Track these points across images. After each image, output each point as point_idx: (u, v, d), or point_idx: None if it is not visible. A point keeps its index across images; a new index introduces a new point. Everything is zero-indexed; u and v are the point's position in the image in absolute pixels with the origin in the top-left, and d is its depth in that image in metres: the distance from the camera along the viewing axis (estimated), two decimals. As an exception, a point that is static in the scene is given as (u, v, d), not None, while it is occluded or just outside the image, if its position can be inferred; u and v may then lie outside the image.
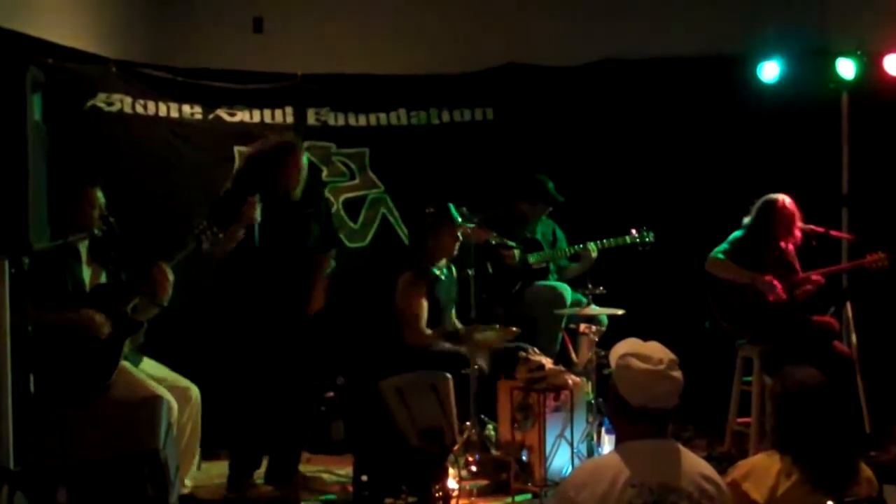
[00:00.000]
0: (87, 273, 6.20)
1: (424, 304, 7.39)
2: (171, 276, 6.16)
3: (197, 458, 6.46)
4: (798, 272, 7.33)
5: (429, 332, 7.35)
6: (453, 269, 7.63)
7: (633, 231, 8.16)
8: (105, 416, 5.41)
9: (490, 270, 8.00)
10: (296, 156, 6.91)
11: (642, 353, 3.68)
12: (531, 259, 8.14)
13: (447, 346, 7.23)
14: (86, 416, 5.38)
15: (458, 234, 7.41)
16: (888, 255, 7.27)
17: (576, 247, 8.19)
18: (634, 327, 4.41)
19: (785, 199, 7.29)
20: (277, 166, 6.83)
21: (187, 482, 6.35)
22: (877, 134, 8.57)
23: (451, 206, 7.37)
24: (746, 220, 7.38)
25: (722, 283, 7.25)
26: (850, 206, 8.71)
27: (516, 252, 8.01)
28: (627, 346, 3.77)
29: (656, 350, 3.72)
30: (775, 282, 7.15)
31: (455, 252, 7.50)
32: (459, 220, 7.33)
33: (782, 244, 7.35)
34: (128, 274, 6.31)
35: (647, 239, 8.11)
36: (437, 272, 7.52)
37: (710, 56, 8.79)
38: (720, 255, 7.27)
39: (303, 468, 7.21)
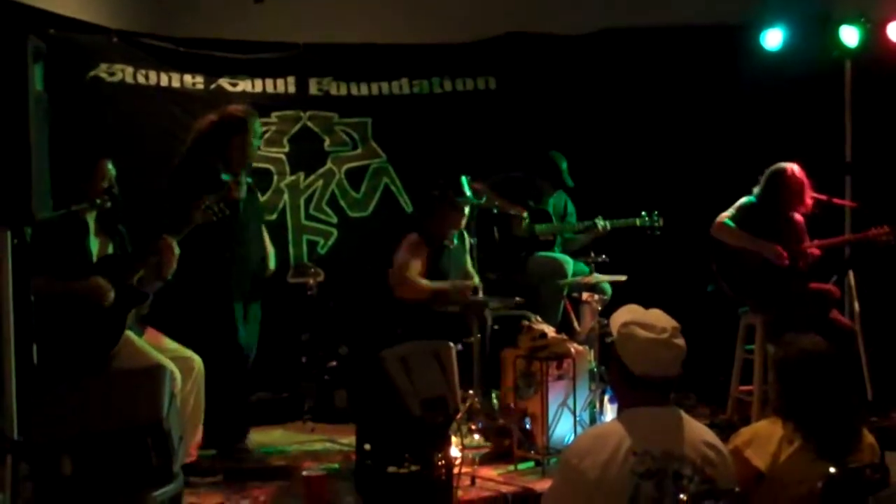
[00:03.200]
0: (94, 244, 6.22)
1: (418, 263, 7.42)
2: (176, 251, 6.20)
3: (201, 428, 6.48)
4: (805, 241, 7.32)
5: (424, 282, 7.37)
6: (465, 235, 7.62)
7: (644, 214, 8.10)
8: (108, 387, 5.40)
9: (497, 237, 7.99)
10: (245, 134, 6.96)
11: (645, 321, 3.68)
12: (538, 229, 8.14)
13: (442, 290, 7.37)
14: (89, 387, 5.38)
15: (465, 209, 7.42)
16: (892, 230, 7.26)
17: (585, 223, 8.17)
18: (637, 296, 4.40)
19: (794, 167, 7.25)
20: (229, 135, 6.92)
21: (193, 451, 6.39)
22: (880, 101, 8.57)
23: (464, 181, 7.38)
24: (756, 188, 7.35)
25: (727, 248, 7.24)
26: (853, 174, 8.70)
27: (525, 220, 8.02)
28: (629, 313, 3.76)
29: (659, 318, 3.72)
30: (782, 250, 7.14)
31: (462, 226, 7.51)
32: (469, 194, 7.34)
33: (792, 214, 7.32)
34: (133, 246, 6.33)
35: (656, 223, 8.06)
36: (446, 241, 7.52)
37: (713, 24, 8.75)
38: (728, 222, 7.24)
39: (306, 437, 7.26)
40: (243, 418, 7.08)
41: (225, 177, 6.81)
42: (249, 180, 7.13)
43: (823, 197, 7.46)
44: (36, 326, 5.75)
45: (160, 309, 6.39)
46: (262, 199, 7.72)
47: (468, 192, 7.37)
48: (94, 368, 5.83)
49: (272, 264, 7.28)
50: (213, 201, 6.35)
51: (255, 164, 7.42)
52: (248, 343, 6.98)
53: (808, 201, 7.31)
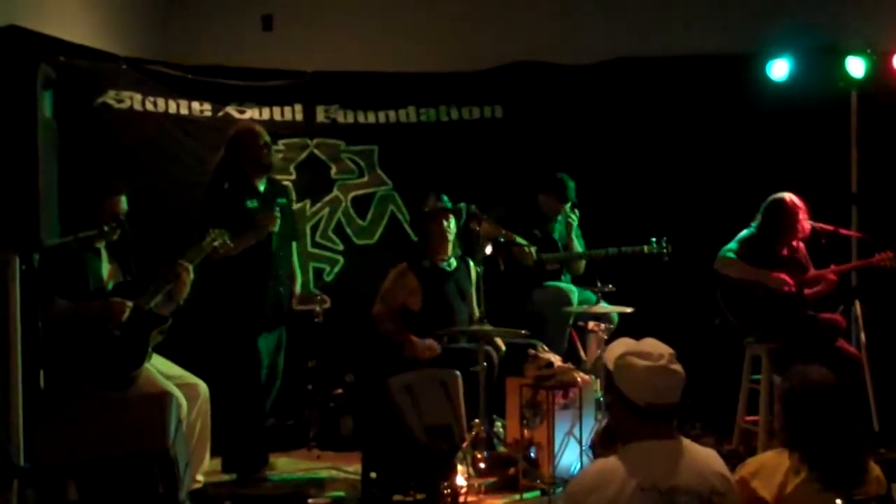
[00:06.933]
0: (105, 270, 6.27)
1: (399, 292, 7.40)
2: (192, 276, 6.24)
3: (207, 453, 6.49)
4: (810, 271, 7.32)
5: (389, 326, 7.37)
6: (471, 263, 7.62)
7: (653, 240, 8.06)
8: (116, 413, 5.43)
9: (501, 268, 7.97)
10: (252, 138, 7.04)
11: (641, 350, 3.67)
12: (544, 258, 8.12)
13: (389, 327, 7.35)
14: (97, 413, 5.40)
15: (445, 220, 7.44)
16: (895, 254, 7.26)
17: (593, 252, 8.14)
18: (643, 325, 4.40)
19: (792, 197, 7.26)
20: (239, 151, 7.01)
21: (199, 477, 6.39)
22: (886, 132, 8.57)
23: (444, 196, 7.43)
24: (755, 220, 7.35)
25: (732, 281, 7.23)
26: (859, 204, 8.69)
27: (533, 250, 8.00)
28: (623, 346, 3.76)
29: (654, 346, 3.71)
30: (786, 277, 7.13)
31: (449, 238, 7.49)
32: (448, 205, 7.40)
33: (793, 242, 7.33)
34: (143, 272, 6.36)
35: (664, 250, 8.02)
36: (445, 266, 7.52)
37: (721, 54, 8.77)
38: (730, 255, 7.25)
39: (311, 465, 7.27)
40: (263, 445, 7.10)
41: (251, 204, 6.88)
42: (283, 201, 7.23)
43: (829, 228, 7.47)
44: (58, 348, 5.82)
45: (178, 334, 6.41)
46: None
47: (446, 203, 7.42)
48: (118, 388, 5.87)
49: (298, 287, 7.31)
50: (218, 235, 6.41)
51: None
52: (275, 369, 7.05)
53: (806, 226, 7.30)
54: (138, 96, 7.97)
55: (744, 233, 7.35)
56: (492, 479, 6.62)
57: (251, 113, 8.28)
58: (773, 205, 7.28)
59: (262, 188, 7.05)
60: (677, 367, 3.64)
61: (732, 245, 7.29)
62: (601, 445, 3.90)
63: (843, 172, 8.78)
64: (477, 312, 7.50)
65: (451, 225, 7.48)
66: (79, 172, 7.27)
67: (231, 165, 6.98)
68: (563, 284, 8.10)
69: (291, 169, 8.42)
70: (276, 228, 6.96)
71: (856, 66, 8.38)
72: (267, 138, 7.11)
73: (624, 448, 3.71)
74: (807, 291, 7.25)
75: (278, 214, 6.96)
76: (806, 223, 7.28)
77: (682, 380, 3.65)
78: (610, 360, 3.74)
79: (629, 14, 9.17)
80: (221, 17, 9.05)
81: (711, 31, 8.95)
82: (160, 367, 6.29)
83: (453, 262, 7.57)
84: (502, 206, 8.00)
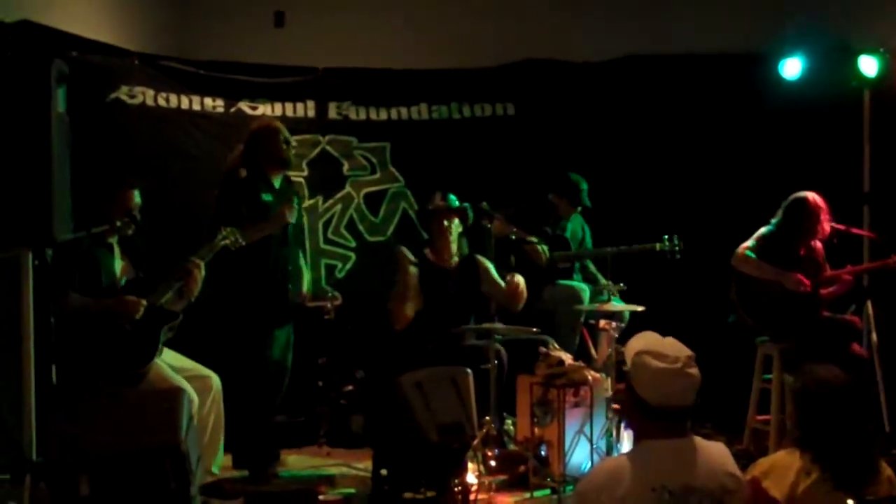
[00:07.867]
0: (118, 266, 6.30)
1: (401, 283, 7.39)
2: (203, 273, 6.26)
3: (221, 446, 6.51)
4: (826, 270, 7.30)
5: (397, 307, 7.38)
6: (484, 260, 7.61)
7: (665, 237, 8.05)
8: (128, 409, 5.44)
9: (513, 265, 7.96)
10: (273, 134, 7.07)
11: (658, 350, 3.67)
12: (555, 256, 8.10)
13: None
14: (108, 408, 5.41)
15: (447, 220, 7.45)
16: None
17: (604, 249, 8.13)
18: (655, 323, 4.39)
19: (815, 196, 7.22)
20: (258, 146, 7.03)
21: (214, 470, 6.41)
22: (898, 132, 8.56)
23: (451, 195, 7.45)
24: (775, 218, 7.32)
25: (748, 278, 7.21)
26: (871, 203, 8.68)
27: (544, 249, 7.99)
28: (643, 342, 3.75)
29: (673, 347, 3.70)
30: (802, 278, 7.12)
31: (451, 237, 7.50)
32: (454, 204, 7.41)
33: (812, 242, 7.31)
34: (156, 268, 6.38)
35: (676, 248, 8.00)
36: (445, 265, 7.52)
37: (733, 53, 8.77)
38: (749, 253, 7.22)
39: (322, 461, 7.27)
40: (274, 441, 7.11)
41: (266, 197, 6.91)
42: (297, 200, 7.27)
43: (841, 227, 7.44)
44: (70, 343, 5.84)
45: (189, 328, 6.42)
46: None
47: (453, 203, 7.45)
48: (128, 384, 5.88)
49: (305, 287, 7.32)
50: (230, 234, 6.42)
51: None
52: (284, 365, 7.05)
53: (827, 228, 7.29)
54: (151, 92, 7.99)
55: (763, 230, 7.32)
56: (502, 477, 6.64)
57: (263, 109, 8.31)
58: (796, 204, 7.24)
59: (277, 184, 7.07)
60: (693, 370, 3.64)
61: (751, 242, 7.26)
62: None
63: (855, 171, 8.77)
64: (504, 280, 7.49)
65: (454, 225, 7.48)
66: (91, 168, 7.27)
67: (249, 159, 7.01)
68: (574, 283, 8.11)
69: (303, 165, 8.43)
70: (294, 220, 7.03)
71: (868, 65, 8.38)
72: (287, 135, 7.13)
73: (635, 447, 3.72)
74: (822, 292, 7.24)
75: (296, 205, 7.03)
76: (827, 224, 7.26)
77: (697, 383, 3.65)
78: (629, 354, 3.74)
79: (640, 12, 9.15)
80: (233, 13, 9.06)
81: (723, 30, 8.93)
82: (171, 361, 6.32)
83: (455, 261, 7.57)
84: (514, 205, 8.00)
